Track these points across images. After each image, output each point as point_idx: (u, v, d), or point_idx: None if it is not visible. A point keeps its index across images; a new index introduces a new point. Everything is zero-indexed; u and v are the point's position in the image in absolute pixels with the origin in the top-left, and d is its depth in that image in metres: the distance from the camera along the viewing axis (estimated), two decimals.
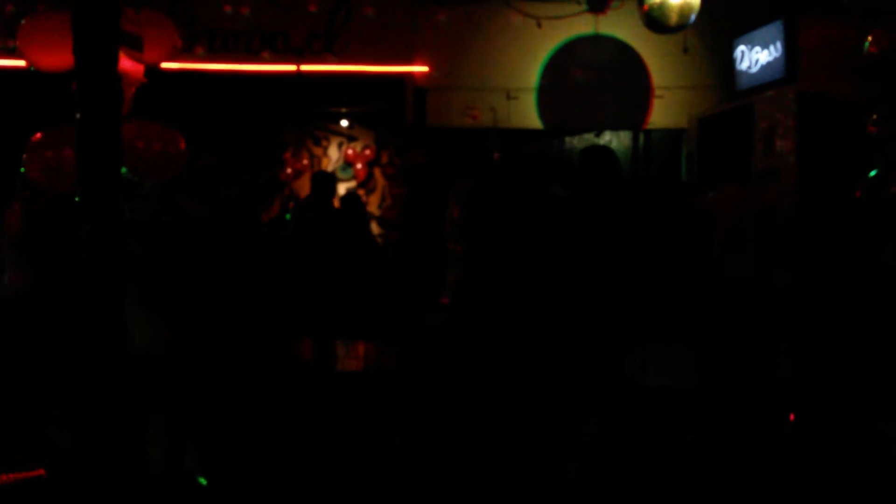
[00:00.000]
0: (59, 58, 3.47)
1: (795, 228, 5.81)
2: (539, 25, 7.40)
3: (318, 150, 9.30)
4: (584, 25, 7.43)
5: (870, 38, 4.36)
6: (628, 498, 2.60)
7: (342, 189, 9.29)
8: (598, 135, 8.01)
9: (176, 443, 2.80)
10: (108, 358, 2.73)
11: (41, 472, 2.65)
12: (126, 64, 3.59)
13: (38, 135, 3.82)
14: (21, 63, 4.40)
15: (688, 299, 5.65)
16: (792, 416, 2.64)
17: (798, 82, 6.16)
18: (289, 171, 9.12)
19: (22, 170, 3.86)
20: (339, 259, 5.14)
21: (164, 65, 4.50)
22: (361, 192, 9.33)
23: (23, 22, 3.88)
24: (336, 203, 6.05)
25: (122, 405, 2.71)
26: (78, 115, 2.83)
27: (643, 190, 7.73)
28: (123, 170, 3.63)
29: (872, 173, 4.41)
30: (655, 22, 6.36)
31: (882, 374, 2.68)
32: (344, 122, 9.16)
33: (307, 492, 2.65)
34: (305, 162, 9.21)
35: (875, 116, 4.37)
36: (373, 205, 9.05)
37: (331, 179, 6.04)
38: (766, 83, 6.55)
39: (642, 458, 2.57)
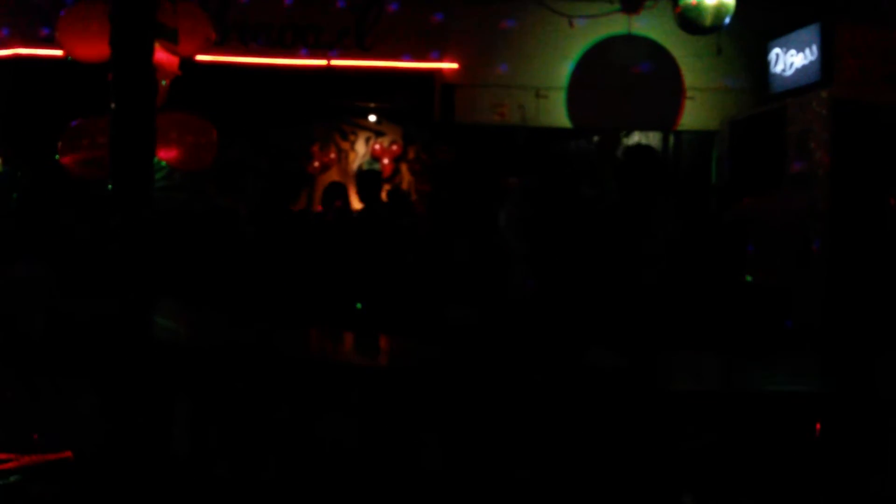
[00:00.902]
0: (95, 48, 3.52)
1: (827, 236, 5.73)
2: (571, 24, 7.37)
3: (345, 145, 9.33)
4: (616, 25, 7.39)
5: None
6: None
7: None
8: (627, 135, 7.95)
9: (200, 432, 2.83)
10: (137, 346, 2.77)
11: (68, 454, 2.69)
12: (161, 56, 3.64)
13: (74, 122, 3.88)
14: (57, 52, 4.46)
15: (717, 306, 5.60)
16: (818, 427, 2.60)
17: (833, 87, 6.07)
18: (316, 164, 9.16)
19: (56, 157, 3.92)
20: (383, 254, 5.17)
21: (197, 57, 4.56)
22: (387, 187, 9.35)
23: (62, 12, 3.94)
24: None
25: (149, 392, 2.75)
26: (113, 106, 2.87)
27: (672, 194, 7.67)
28: (156, 160, 3.68)
29: None
30: (689, 23, 6.31)
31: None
32: (372, 118, 9.18)
33: (326, 487, 2.66)
34: (333, 156, 9.25)
35: None
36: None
37: (378, 176, 6.11)
38: (801, 87, 6.46)
39: (668, 464, 2.55)
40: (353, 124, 9.27)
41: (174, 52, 3.88)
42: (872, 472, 2.58)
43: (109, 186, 2.90)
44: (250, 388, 2.68)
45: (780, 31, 6.79)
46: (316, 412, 2.64)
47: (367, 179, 5.78)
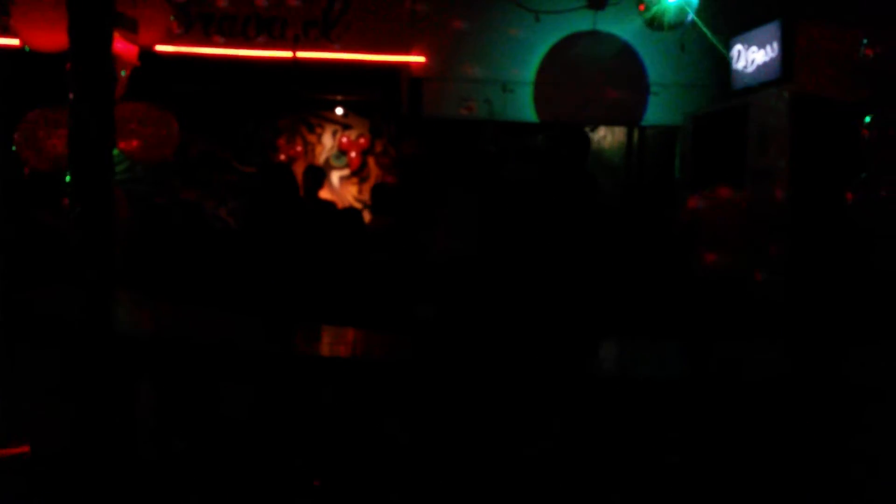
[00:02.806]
0: (53, 38, 3.46)
1: (787, 229, 5.84)
2: (537, 19, 7.40)
3: (312, 138, 9.29)
4: (582, 21, 7.45)
5: (864, 43, 4.38)
6: (611, 491, 2.62)
7: (335, 177, 9.29)
8: (592, 129, 8.02)
9: (164, 427, 2.81)
10: (97, 338, 2.73)
11: (26, 448, 2.65)
12: (120, 45, 3.58)
13: (31, 113, 3.81)
14: (14, 42, 4.37)
15: (673, 296, 5.69)
16: (777, 413, 2.66)
17: (793, 83, 6.18)
18: (282, 157, 9.10)
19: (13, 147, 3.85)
20: (334, 248, 5.15)
21: (159, 48, 4.49)
22: (355, 180, 9.33)
23: (17, 1, 3.86)
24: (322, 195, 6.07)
25: (110, 385, 2.72)
26: (71, 96, 2.82)
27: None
28: (115, 151, 3.62)
29: (863, 176, 4.43)
30: (653, 20, 6.38)
31: (868, 379, 2.70)
32: (339, 110, 9.15)
33: (293, 478, 2.66)
34: (299, 149, 9.20)
35: (868, 120, 4.39)
36: (365, 193, 9.04)
37: (321, 173, 6.10)
38: (762, 83, 6.57)
39: (628, 452, 2.59)
40: (319, 117, 9.23)
41: (134, 42, 3.82)
42: (832, 459, 2.63)
43: (67, 178, 2.85)
44: (208, 376, 2.67)
45: (743, 28, 6.89)
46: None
47: (312, 176, 5.76)
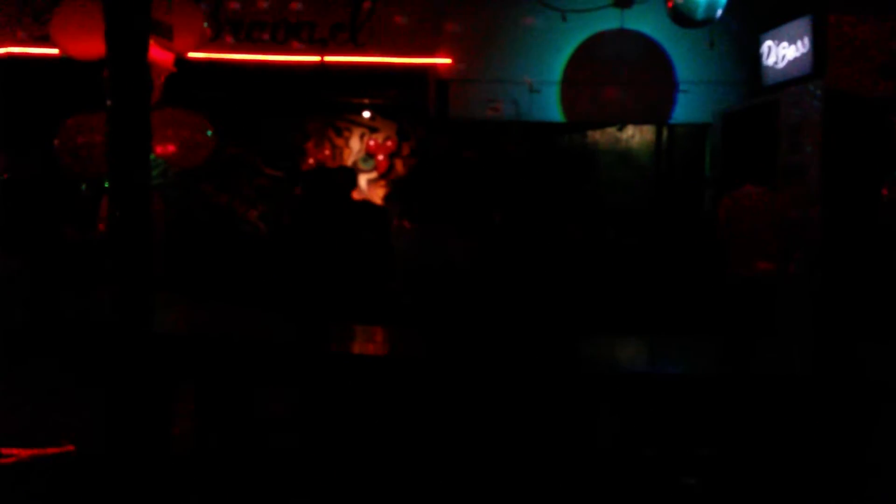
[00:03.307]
0: (90, 46, 3.53)
1: (820, 227, 5.76)
2: (564, 19, 7.39)
3: (339, 141, 9.34)
4: (609, 19, 7.42)
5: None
6: (627, 484, 2.62)
7: (362, 180, 9.34)
8: (620, 129, 7.98)
9: (202, 424, 2.85)
10: (137, 339, 2.79)
11: (71, 447, 2.72)
12: (156, 52, 3.65)
13: (69, 120, 3.89)
14: (51, 51, 4.47)
15: (705, 296, 5.65)
16: (799, 409, 2.64)
17: (825, 79, 6.10)
18: (311, 161, 9.18)
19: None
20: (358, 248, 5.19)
21: (191, 54, 4.56)
22: (382, 182, 9.37)
23: (56, 10, 3.95)
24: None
25: (149, 384, 2.77)
26: (109, 103, 2.88)
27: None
28: (161, 162, 3.69)
29: None
30: (682, 16, 6.33)
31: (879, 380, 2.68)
32: (366, 114, 9.19)
33: (326, 476, 2.69)
34: (328, 153, 9.25)
35: None
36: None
37: (353, 174, 6.12)
38: (793, 79, 6.49)
39: (650, 445, 2.59)
40: (347, 120, 9.28)
41: (169, 49, 3.89)
42: (850, 455, 2.61)
43: (106, 183, 2.92)
44: (246, 374, 2.71)
45: (772, 23, 6.82)
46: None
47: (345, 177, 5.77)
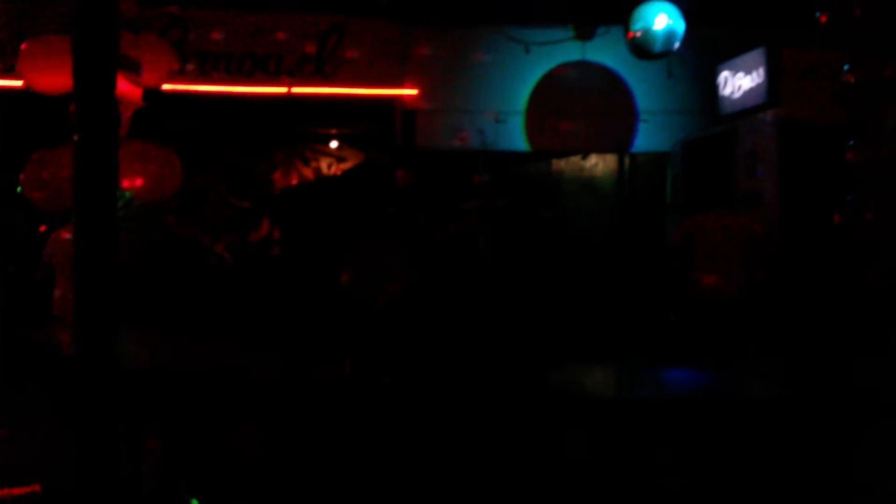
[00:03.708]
0: (58, 80, 3.54)
1: (777, 251, 5.91)
2: (527, 51, 7.56)
3: (307, 171, 9.35)
4: (571, 52, 7.61)
5: (846, 68, 4.50)
6: None
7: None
8: (584, 157, 8.13)
9: (169, 462, 2.83)
10: (101, 375, 2.76)
11: (37, 487, 2.67)
12: (124, 87, 3.66)
13: (36, 154, 3.88)
14: (17, 83, 4.44)
15: (670, 319, 5.74)
16: (776, 432, 2.70)
17: (780, 108, 6.29)
18: (277, 191, 9.17)
19: (18, 189, 3.90)
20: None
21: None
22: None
23: (24, 45, 3.94)
24: None
25: (114, 421, 2.74)
26: (76, 137, 2.88)
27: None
28: (127, 194, 3.68)
29: (849, 198, 4.52)
30: (641, 49, 6.52)
31: (865, 394, 2.75)
32: (333, 143, 9.24)
33: None
34: (295, 182, 9.26)
35: (853, 143, 4.49)
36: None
37: None
38: (749, 108, 6.69)
39: (632, 473, 2.62)
40: (314, 150, 9.30)
41: (137, 84, 3.90)
42: (832, 475, 2.66)
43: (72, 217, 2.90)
44: (212, 408, 2.70)
45: (728, 54, 7.04)
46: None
47: None
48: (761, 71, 6.57)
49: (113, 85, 2.91)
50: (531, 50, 7.54)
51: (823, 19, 4.50)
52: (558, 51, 7.62)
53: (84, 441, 2.63)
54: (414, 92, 7.71)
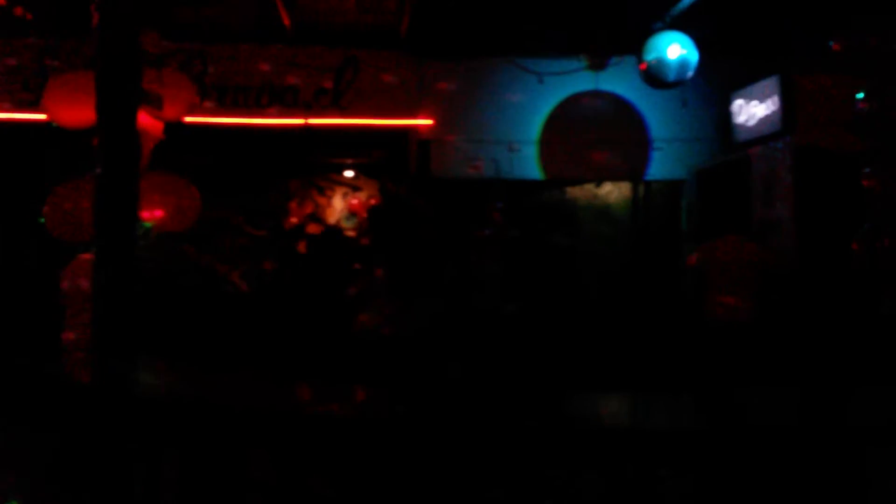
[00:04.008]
0: (81, 114, 3.61)
1: (794, 279, 5.87)
2: (541, 81, 7.63)
3: (322, 200, 9.42)
4: (584, 81, 7.67)
5: (860, 97, 4.50)
6: None
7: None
8: (598, 185, 8.15)
9: (187, 491, 2.83)
10: (120, 405, 2.79)
11: None
12: (146, 120, 3.73)
13: (58, 188, 3.95)
14: (41, 117, 4.54)
15: (685, 345, 5.70)
16: (787, 460, 2.67)
17: (795, 135, 6.29)
18: (293, 220, 9.24)
19: (41, 219, 3.97)
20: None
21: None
22: (366, 240, 9.42)
23: (50, 80, 4.05)
24: None
25: (130, 451, 2.76)
26: (98, 170, 2.94)
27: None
28: (147, 225, 3.74)
29: (866, 226, 4.50)
30: (654, 78, 6.56)
31: (878, 423, 2.72)
32: (348, 173, 9.32)
33: None
34: (310, 212, 9.33)
35: (868, 170, 4.48)
36: None
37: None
38: (764, 136, 6.69)
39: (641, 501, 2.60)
40: (329, 179, 9.39)
41: (159, 118, 3.98)
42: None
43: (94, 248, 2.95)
44: (229, 440, 2.71)
45: (742, 82, 7.06)
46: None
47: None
48: (776, 98, 6.58)
49: (135, 119, 2.98)
50: (544, 80, 7.61)
51: (836, 47, 4.51)
52: (571, 81, 7.69)
53: (98, 471, 2.65)
54: (429, 122, 7.79)
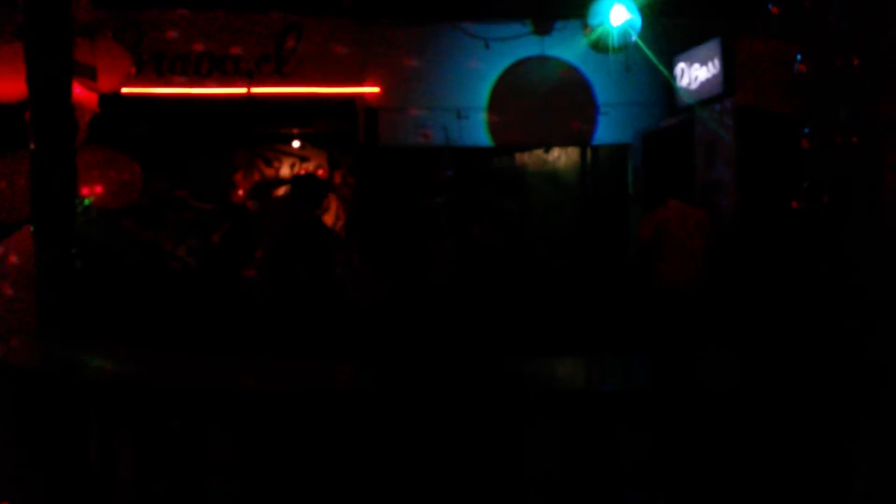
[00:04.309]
0: (11, 87, 3.46)
1: (736, 239, 6.03)
2: (487, 46, 7.59)
3: (269, 171, 9.27)
4: (530, 46, 7.65)
5: (798, 59, 4.59)
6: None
7: None
8: (547, 151, 8.20)
9: (142, 475, 2.79)
10: (66, 386, 2.72)
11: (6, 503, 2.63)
12: (80, 93, 3.59)
13: None
14: None
15: (633, 309, 5.83)
16: (731, 422, 2.74)
17: (735, 97, 6.41)
18: (240, 192, 9.08)
19: None
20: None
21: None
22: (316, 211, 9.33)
23: None
24: None
25: (78, 434, 2.70)
26: (32, 145, 2.84)
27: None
28: (87, 201, 3.62)
29: (805, 185, 4.62)
30: (598, 43, 6.59)
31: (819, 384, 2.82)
32: (295, 143, 9.18)
33: None
34: (257, 179, 9.18)
35: (807, 130, 4.59)
36: (326, 223, 9.06)
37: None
38: (706, 99, 6.80)
39: (595, 464, 2.66)
40: (276, 150, 9.23)
41: (93, 90, 3.84)
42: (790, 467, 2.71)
43: (32, 228, 2.86)
44: (182, 421, 2.68)
45: (686, 45, 7.14)
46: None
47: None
48: (716, 61, 6.68)
49: (69, 92, 2.88)
50: (491, 45, 7.58)
51: (776, 11, 4.58)
52: (517, 46, 7.67)
53: (47, 455, 2.60)
54: (375, 90, 7.70)
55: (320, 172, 9.20)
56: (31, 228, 2.83)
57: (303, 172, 9.17)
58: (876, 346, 3.13)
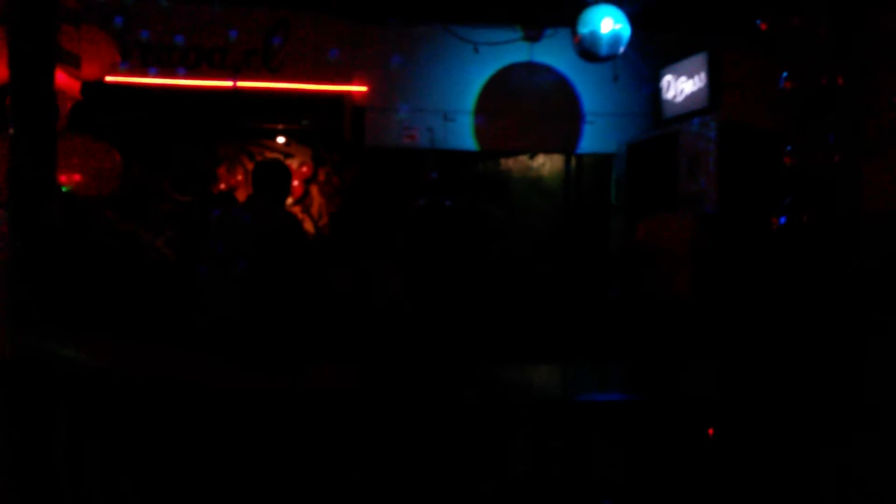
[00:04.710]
0: None
1: (716, 252, 6.07)
2: (476, 50, 7.60)
3: (252, 167, 9.22)
4: (519, 52, 7.68)
5: (784, 76, 4.64)
6: None
7: None
8: (531, 157, 8.22)
9: (109, 466, 2.75)
10: (38, 377, 2.68)
11: None
12: (63, 80, 3.55)
13: None
14: None
15: (621, 318, 5.85)
16: (710, 432, 2.77)
17: (720, 112, 6.46)
18: (222, 186, 9.02)
19: None
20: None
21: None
22: (298, 208, 9.30)
23: None
24: None
25: (47, 425, 2.67)
26: (11, 130, 2.80)
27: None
28: (65, 189, 3.58)
29: (786, 202, 4.67)
30: (587, 51, 6.61)
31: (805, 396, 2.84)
32: (280, 139, 9.13)
33: None
34: (240, 178, 9.11)
35: (790, 148, 4.63)
36: (309, 222, 9.02)
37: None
38: (691, 112, 6.85)
39: (572, 472, 2.66)
40: (261, 146, 9.17)
41: (77, 77, 3.79)
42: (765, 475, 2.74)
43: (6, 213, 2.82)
44: (150, 412, 2.65)
45: (673, 58, 7.19)
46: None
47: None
48: (703, 75, 6.74)
49: (51, 78, 2.84)
50: (480, 50, 7.59)
51: (763, 27, 4.63)
52: (507, 51, 7.69)
53: (16, 443, 2.56)
54: (363, 89, 7.68)
55: (304, 169, 9.17)
56: (6, 213, 2.78)
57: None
58: (856, 358, 3.17)
